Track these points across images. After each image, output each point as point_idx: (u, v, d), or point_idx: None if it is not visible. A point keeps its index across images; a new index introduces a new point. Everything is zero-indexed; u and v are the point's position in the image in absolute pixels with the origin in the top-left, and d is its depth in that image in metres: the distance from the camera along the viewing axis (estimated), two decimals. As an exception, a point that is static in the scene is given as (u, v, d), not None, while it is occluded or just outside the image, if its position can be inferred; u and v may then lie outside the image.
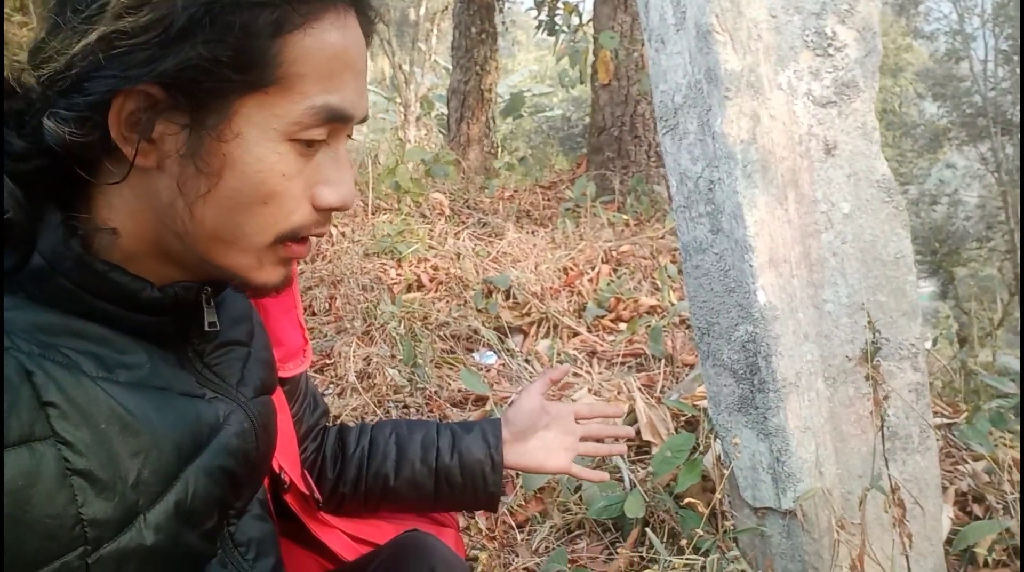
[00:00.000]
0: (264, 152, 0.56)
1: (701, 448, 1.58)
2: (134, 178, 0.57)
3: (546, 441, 1.07)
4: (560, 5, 6.74)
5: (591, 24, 5.37)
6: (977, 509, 1.34)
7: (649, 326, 2.37)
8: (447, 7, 14.70)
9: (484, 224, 4.20)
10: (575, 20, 6.98)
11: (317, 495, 0.93)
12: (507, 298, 2.86)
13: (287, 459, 0.88)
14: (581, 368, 2.24)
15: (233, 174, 0.56)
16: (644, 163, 4.74)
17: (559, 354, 2.41)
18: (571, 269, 3.05)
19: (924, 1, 21.15)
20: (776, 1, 1.26)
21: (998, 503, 1.32)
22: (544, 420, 1.08)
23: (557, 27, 6.92)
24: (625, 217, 3.88)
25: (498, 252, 3.36)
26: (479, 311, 2.64)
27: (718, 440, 1.34)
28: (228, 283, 0.66)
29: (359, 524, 1.01)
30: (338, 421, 2.03)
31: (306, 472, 0.95)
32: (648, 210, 3.87)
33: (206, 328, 0.65)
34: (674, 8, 1.28)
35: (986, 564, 1.22)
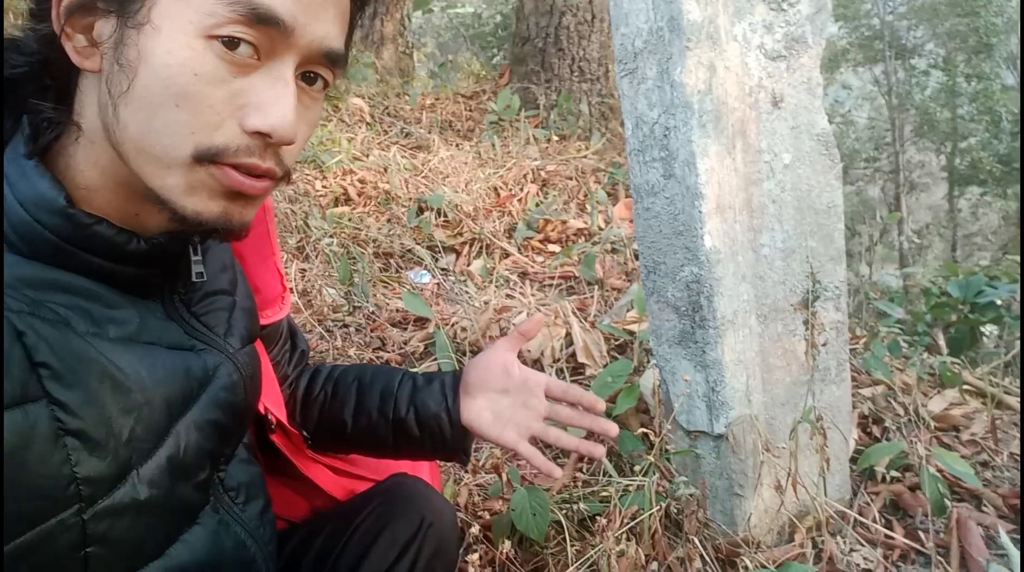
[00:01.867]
0: (176, 46, 0.53)
1: (635, 371, 1.70)
2: (87, 86, 0.58)
3: (499, 408, 0.94)
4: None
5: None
6: (876, 430, 1.53)
7: (583, 252, 2.46)
8: None
9: (407, 134, 4.14)
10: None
11: (305, 433, 0.97)
12: (439, 216, 2.87)
13: (271, 400, 0.90)
14: (515, 289, 2.32)
15: (147, 69, 0.53)
16: (567, 77, 4.72)
17: (491, 274, 2.47)
18: (500, 188, 3.08)
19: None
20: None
21: (894, 425, 1.51)
22: (502, 382, 0.95)
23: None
24: (548, 133, 3.91)
25: (427, 168, 3.34)
26: (412, 229, 2.65)
27: (656, 368, 1.46)
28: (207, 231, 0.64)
29: (343, 459, 1.04)
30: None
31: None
32: (573, 128, 3.90)
33: (194, 278, 0.66)
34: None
35: (884, 480, 1.41)
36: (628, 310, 2.08)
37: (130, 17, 0.54)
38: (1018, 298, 1.93)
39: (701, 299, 1.31)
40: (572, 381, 1.80)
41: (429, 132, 4.12)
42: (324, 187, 3.07)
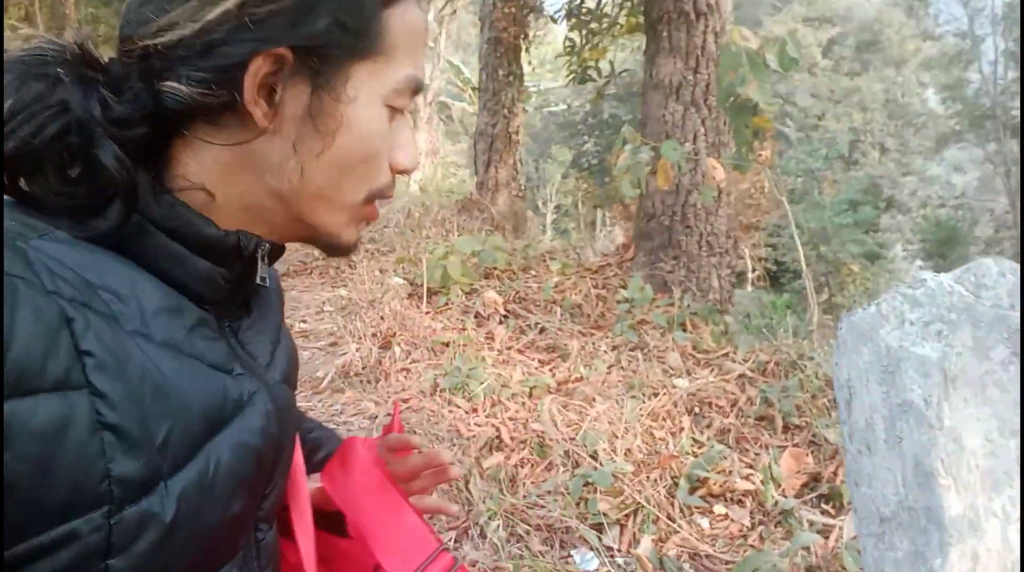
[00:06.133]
0: (371, 114, 0.62)
1: None
2: (244, 139, 0.60)
3: None
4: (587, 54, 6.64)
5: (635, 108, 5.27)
6: None
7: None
8: (455, 11, 14.50)
9: (542, 329, 4.17)
10: (606, 67, 6.89)
11: None
12: (594, 462, 2.84)
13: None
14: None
15: (347, 134, 0.61)
16: (696, 253, 4.70)
17: (661, 559, 2.40)
18: (654, 428, 3.04)
19: (934, 3, 21.03)
20: (991, 424, 1.23)
21: None
22: None
23: (588, 77, 6.83)
24: (689, 336, 3.87)
25: (572, 391, 3.34)
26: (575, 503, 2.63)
27: None
28: (282, 248, 0.69)
29: None
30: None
31: None
32: (719, 339, 3.84)
33: (257, 281, 0.66)
34: (886, 425, 1.25)
35: None
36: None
37: (331, 90, 0.60)
38: None
39: None
40: None
41: (561, 326, 4.15)
42: (477, 427, 3.10)
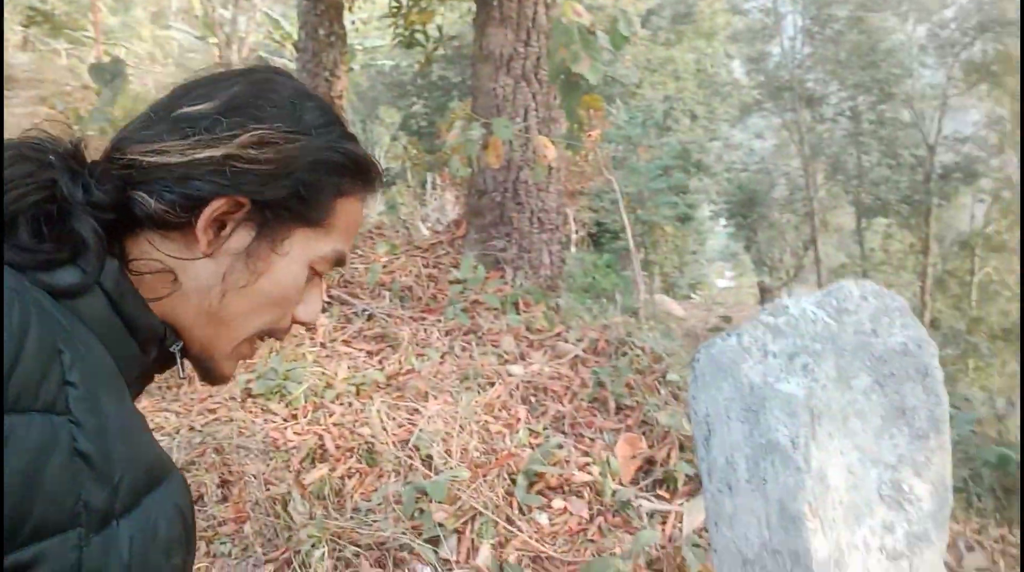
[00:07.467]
0: (295, 270, 0.71)
1: None
2: (185, 256, 0.67)
3: None
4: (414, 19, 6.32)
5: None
6: None
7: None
8: (269, -39, 13.44)
9: (370, 316, 3.89)
10: (434, 32, 6.58)
11: None
12: (428, 467, 2.65)
13: None
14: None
15: (268, 279, 0.69)
16: (527, 230, 4.58)
17: (502, 566, 2.26)
18: (491, 422, 2.88)
19: (742, -22, 22.35)
20: (853, 457, 1.15)
21: None
22: None
23: (415, 41, 6.50)
24: (520, 318, 3.74)
25: (403, 385, 3.10)
26: (409, 516, 2.41)
27: None
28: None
29: None
30: None
31: None
32: (551, 319, 3.74)
33: (181, 375, 0.72)
34: (749, 466, 1.13)
35: None
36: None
37: (271, 241, 0.69)
38: None
39: None
40: None
41: (390, 314, 3.89)
42: (296, 435, 2.79)
